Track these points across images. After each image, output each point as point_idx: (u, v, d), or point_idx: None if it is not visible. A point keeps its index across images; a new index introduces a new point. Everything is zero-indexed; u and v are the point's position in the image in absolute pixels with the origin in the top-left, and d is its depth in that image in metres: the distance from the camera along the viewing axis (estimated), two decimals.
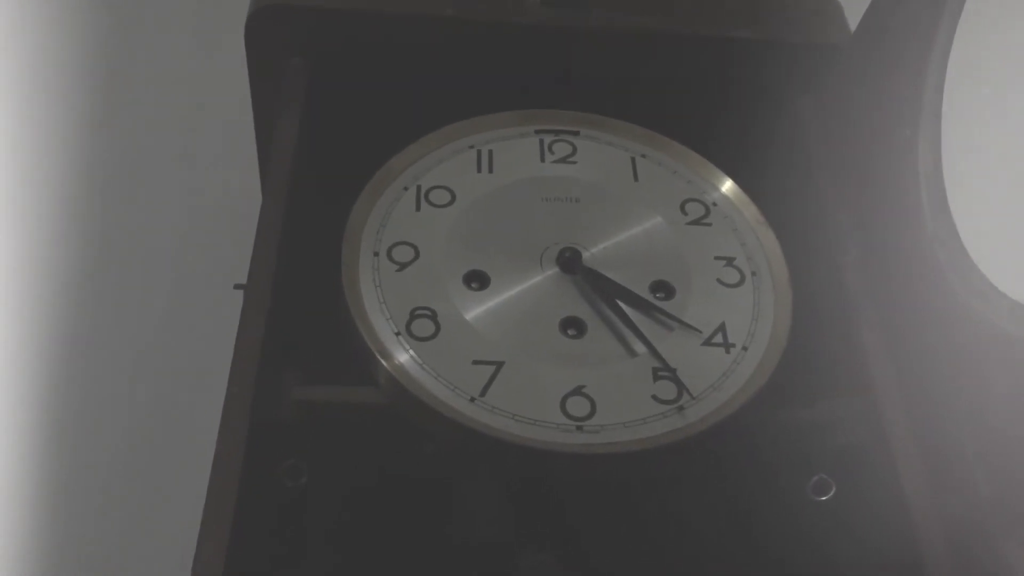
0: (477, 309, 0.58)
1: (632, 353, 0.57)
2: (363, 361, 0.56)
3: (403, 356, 0.56)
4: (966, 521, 0.51)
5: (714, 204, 0.66)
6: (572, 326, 0.59)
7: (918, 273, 0.59)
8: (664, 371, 0.57)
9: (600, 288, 0.60)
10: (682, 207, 0.65)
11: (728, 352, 0.59)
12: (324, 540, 0.56)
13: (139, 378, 0.81)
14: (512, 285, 0.60)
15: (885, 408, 0.58)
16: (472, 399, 0.55)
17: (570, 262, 0.60)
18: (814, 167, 0.69)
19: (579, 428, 0.54)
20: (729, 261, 0.63)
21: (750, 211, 0.65)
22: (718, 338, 0.59)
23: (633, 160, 0.68)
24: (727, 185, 0.66)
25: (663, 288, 0.61)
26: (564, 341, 0.58)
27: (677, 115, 0.69)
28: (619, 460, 0.53)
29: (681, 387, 0.56)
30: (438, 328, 0.57)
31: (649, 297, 0.60)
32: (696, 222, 0.65)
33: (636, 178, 0.67)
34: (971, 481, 0.51)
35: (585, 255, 0.61)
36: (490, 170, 0.66)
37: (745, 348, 0.59)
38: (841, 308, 0.62)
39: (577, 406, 0.55)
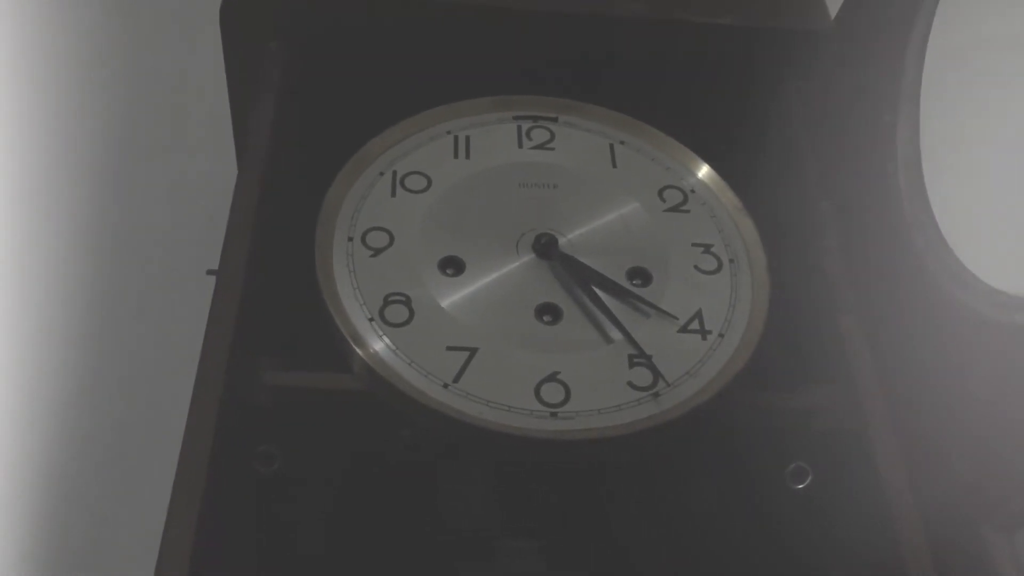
0: (452, 295, 0.58)
1: (608, 340, 0.57)
2: (337, 347, 0.56)
3: (377, 342, 0.55)
4: (945, 506, 0.51)
5: (692, 191, 0.65)
6: (548, 312, 0.58)
7: (897, 259, 0.59)
8: (640, 358, 0.56)
9: (576, 274, 0.59)
10: (660, 194, 0.65)
11: (704, 339, 0.58)
12: (297, 527, 0.56)
13: (111, 366, 0.80)
14: (488, 271, 0.59)
15: (863, 395, 0.57)
16: (446, 385, 0.54)
17: (546, 248, 0.60)
18: (796, 154, 0.69)
19: (553, 415, 0.54)
20: (707, 248, 0.62)
21: (728, 198, 0.65)
22: (695, 325, 0.59)
23: (612, 147, 0.67)
24: (705, 171, 0.66)
25: (640, 275, 0.60)
26: (539, 327, 0.57)
27: (658, 101, 0.69)
28: (593, 446, 0.53)
29: (656, 374, 0.56)
30: (412, 314, 0.57)
31: (626, 283, 0.59)
32: (674, 209, 0.64)
33: (615, 164, 0.66)
34: (950, 466, 0.51)
35: (562, 241, 0.61)
36: (467, 156, 0.65)
37: (722, 335, 0.58)
38: (820, 295, 0.62)
39: (552, 392, 0.55)
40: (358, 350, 0.55)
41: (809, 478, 0.58)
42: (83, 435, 0.80)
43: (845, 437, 0.57)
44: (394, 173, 0.63)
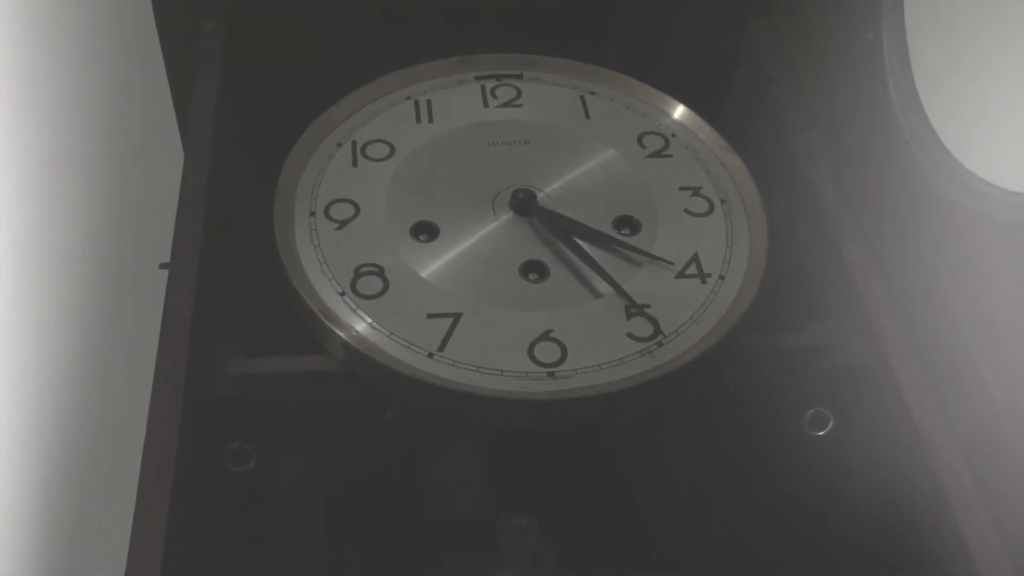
0: (428, 261, 0.53)
1: (600, 292, 0.53)
2: (308, 326, 0.51)
3: (350, 316, 0.51)
4: (980, 426, 0.47)
5: (673, 135, 0.61)
6: (533, 270, 0.54)
7: (897, 178, 0.55)
8: (635, 307, 0.52)
9: (558, 228, 0.55)
10: (639, 140, 0.61)
11: (704, 282, 0.54)
12: (277, 525, 0.51)
13: (69, 369, 0.74)
14: (464, 234, 0.55)
15: (878, 325, 0.53)
16: (431, 354, 0.49)
17: (524, 204, 0.55)
18: (773, 88, 0.65)
19: (551, 374, 0.49)
20: (696, 191, 0.58)
21: (711, 138, 0.61)
22: (692, 269, 0.54)
23: (583, 98, 0.63)
24: (681, 111, 0.62)
25: (628, 224, 0.56)
26: (526, 286, 0.53)
27: (627, 47, 0.65)
28: (597, 403, 0.48)
29: (655, 323, 0.51)
30: (386, 284, 0.52)
31: (613, 233, 0.55)
32: (656, 154, 0.60)
33: (587, 116, 0.62)
34: (981, 384, 0.47)
35: (540, 196, 0.56)
36: (430, 120, 0.61)
37: (722, 277, 0.54)
38: (819, 226, 0.58)
39: (546, 352, 0.50)
40: (331, 327, 0.50)
41: (831, 424, 0.54)
42: (44, 444, 0.74)
43: (864, 372, 0.53)
44: (353, 143, 0.59)
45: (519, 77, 0.64)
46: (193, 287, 0.51)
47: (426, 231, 0.55)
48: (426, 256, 0.54)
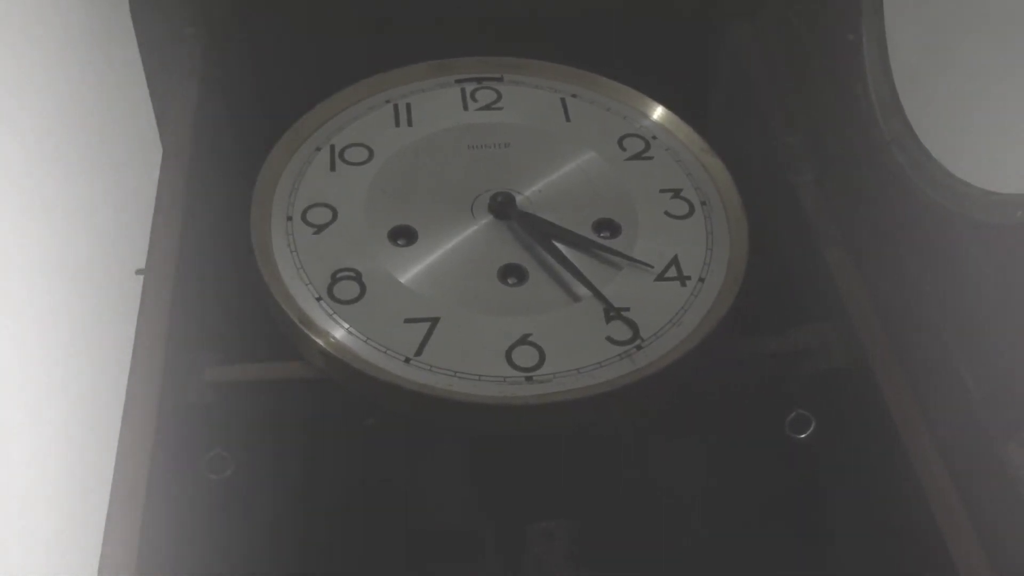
0: (406, 265, 0.53)
1: (579, 296, 0.52)
2: (283, 332, 0.51)
3: (327, 322, 0.50)
4: (962, 429, 0.46)
5: (654, 137, 0.61)
6: (512, 274, 0.53)
7: (878, 181, 0.55)
8: (613, 311, 0.52)
9: (537, 231, 0.54)
10: (620, 143, 0.61)
11: (684, 285, 0.54)
12: (255, 535, 0.50)
13: (46, 375, 0.73)
14: (443, 237, 0.54)
15: (860, 329, 0.53)
16: (407, 359, 0.49)
17: (503, 207, 0.55)
18: (755, 91, 0.65)
19: (528, 379, 0.49)
20: (676, 193, 0.58)
21: (692, 140, 0.61)
22: (672, 272, 0.54)
23: (563, 101, 0.63)
24: (660, 112, 0.62)
25: (608, 226, 0.56)
26: (504, 290, 0.53)
27: (610, 50, 0.65)
28: (575, 407, 0.48)
29: (634, 326, 0.51)
30: (363, 289, 0.52)
31: (593, 236, 0.55)
32: (636, 157, 0.60)
33: (568, 118, 0.62)
34: (962, 387, 0.47)
35: (519, 199, 0.56)
36: (409, 123, 0.60)
37: (702, 279, 0.54)
38: (800, 228, 0.58)
39: (524, 356, 0.50)
40: (308, 332, 0.49)
41: (812, 426, 0.53)
42: (19, 449, 0.73)
43: (845, 376, 0.53)
44: (332, 147, 0.58)
45: (499, 80, 0.64)
46: (170, 293, 0.51)
47: (404, 235, 0.54)
48: (404, 260, 0.53)
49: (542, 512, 0.54)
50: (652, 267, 0.54)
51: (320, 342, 0.49)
